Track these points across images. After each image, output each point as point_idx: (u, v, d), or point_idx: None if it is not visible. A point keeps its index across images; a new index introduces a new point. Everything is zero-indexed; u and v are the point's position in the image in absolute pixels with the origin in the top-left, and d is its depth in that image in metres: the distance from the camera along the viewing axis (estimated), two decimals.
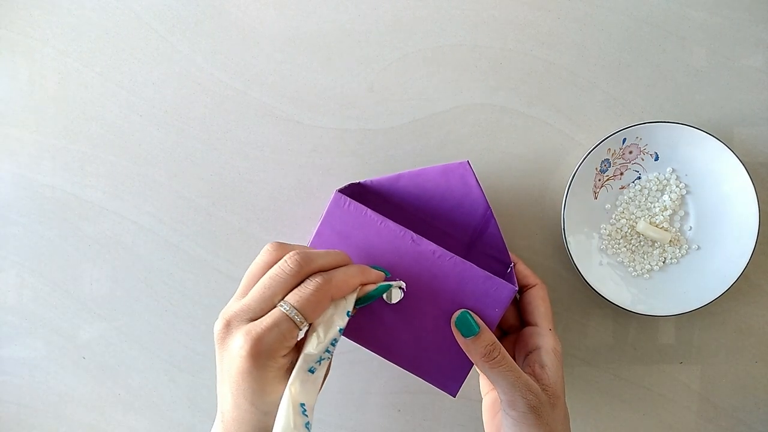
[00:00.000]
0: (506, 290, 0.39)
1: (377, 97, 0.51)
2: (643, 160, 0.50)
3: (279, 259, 0.35)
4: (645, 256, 0.50)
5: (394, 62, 0.51)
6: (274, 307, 0.33)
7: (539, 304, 0.43)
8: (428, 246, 0.39)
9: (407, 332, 0.40)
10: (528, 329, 0.43)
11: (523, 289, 0.45)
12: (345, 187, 0.43)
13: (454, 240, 0.46)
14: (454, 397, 0.41)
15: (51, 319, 0.53)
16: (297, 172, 0.52)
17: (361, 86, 0.51)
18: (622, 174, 0.50)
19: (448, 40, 0.51)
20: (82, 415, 0.53)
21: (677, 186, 0.50)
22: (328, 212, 0.40)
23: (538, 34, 0.51)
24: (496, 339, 0.38)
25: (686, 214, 0.50)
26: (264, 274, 0.34)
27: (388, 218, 0.39)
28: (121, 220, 0.52)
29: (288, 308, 0.33)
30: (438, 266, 0.39)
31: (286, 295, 0.33)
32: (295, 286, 0.34)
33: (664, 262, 0.50)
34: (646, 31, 0.51)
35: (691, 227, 0.50)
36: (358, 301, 0.37)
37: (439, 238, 0.46)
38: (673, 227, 0.50)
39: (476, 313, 0.39)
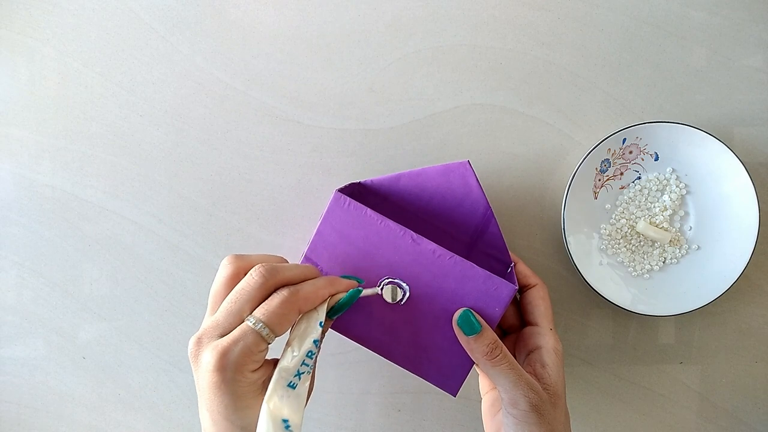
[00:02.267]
0: (507, 289, 0.39)
1: (377, 97, 0.51)
2: (643, 160, 0.50)
3: (240, 271, 0.35)
4: (645, 257, 0.50)
5: (394, 62, 0.51)
6: (241, 320, 0.34)
7: (540, 303, 0.43)
8: (428, 245, 0.39)
9: (407, 332, 0.40)
10: (529, 329, 0.43)
11: (523, 288, 0.45)
12: (345, 187, 0.43)
13: (454, 240, 0.46)
14: (455, 396, 0.41)
15: (51, 319, 0.53)
16: (297, 172, 0.52)
17: (361, 86, 0.51)
18: (622, 174, 0.50)
19: (448, 40, 0.51)
20: (82, 415, 0.53)
21: (677, 186, 0.50)
22: (328, 212, 0.40)
23: (538, 34, 0.51)
24: (498, 338, 0.38)
25: (686, 214, 0.50)
26: (226, 288, 0.35)
27: (389, 218, 0.40)
28: (121, 220, 0.52)
29: (254, 321, 0.33)
30: (438, 265, 0.39)
31: (253, 306, 0.34)
32: (263, 299, 0.34)
33: (664, 262, 0.50)
34: (646, 31, 0.51)
35: (691, 227, 0.50)
36: (331, 312, 0.37)
37: (440, 238, 0.46)
38: (673, 227, 0.50)
39: (477, 313, 0.39)
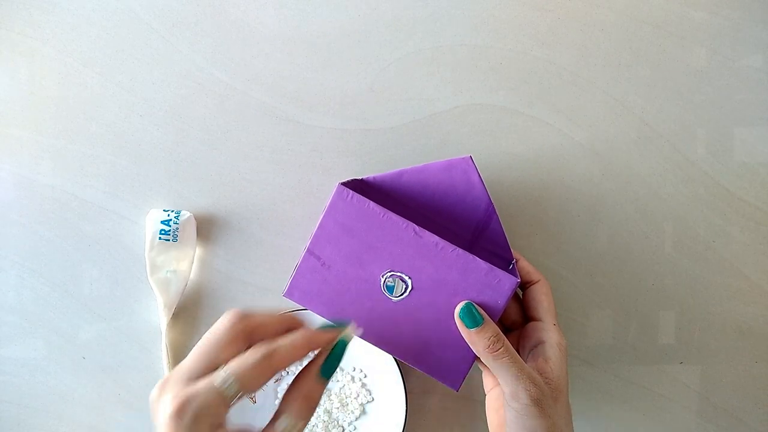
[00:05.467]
0: (509, 281, 0.39)
1: (377, 97, 0.52)
2: None
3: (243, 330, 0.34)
4: None
5: (394, 62, 0.51)
6: (214, 365, 0.32)
7: (542, 299, 0.43)
8: (431, 238, 0.39)
9: (409, 325, 0.40)
10: (532, 324, 0.43)
11: (526, 285, 0.45)
12: (347, 182, 0.43)
13: (456, 236, 0.46)
14: (457, 391, 0.41)
15: (51, 319, 0.53)
16: (297, 172, 0.52)
17: (361, 86, 0.51)
18: None
19: (448, 40, 0.51)
20: (82, 415, 0.53)
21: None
22: (331, 205, 0.40)
23: (538, 34, 0.51)
24: (500, 330, 0.38)
25: None
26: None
27: None
28: (121, 220, 0.52)
29: (224, 375, 0.31)
30: (441, 258, 0.39)
31: (223, 353, 0.32)
32: (233, 344, 0.33)
33: None
34: (646, 31, 0.51)
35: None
36: (324, 371, 0.35)
37: (442, 235, 0.45)
38: None
39: (479, 305, 0.39)
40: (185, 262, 0.51)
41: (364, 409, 0.51)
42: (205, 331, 0.51)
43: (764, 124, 0.51)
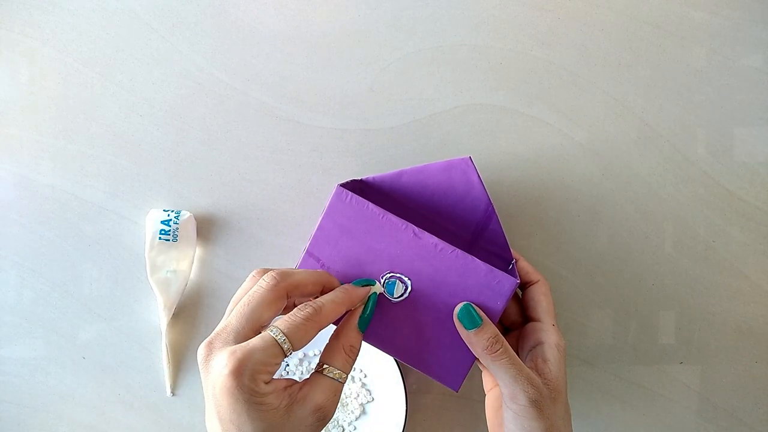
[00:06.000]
0: (508, 282, 0.39)
1: (377, 97, 0.52)
2: None
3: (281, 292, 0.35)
4: None
5: (394, 62, 0.51)
6: (258, 325, 0.33)
7: (542, 300, 0.43)
8: (430, 239, 0.39)
9: (409, 326, 0.40)
10: (531, 325, 0.43)
11: (525, 285, 0.45)
12: (346, 183, 0.43)
13: (455, 237, 0.46)
14: (457, 391, 0.41)
15: (51, 319, 0.53)
16: (297, 172, 0.52)
17: (361, 86, 0.51)
18: None
19: (448, 40, 0.51)
20: (82, 415, 0.53)
21: None
22: (330, 206, 0.40)
23: (538, 34, 0.51)
24: (499, 332, 0.38)
25: None
26: None
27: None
28: (121, 220, 0.52)
29: (277, 333, 0.32)
30: (440, 259, 0.39)
31: (265, 312, 0.34)
32: (276, 303, 0.34)
33: None
34: (646, 31, 0.51)
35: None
36: (360, 324, 0.38)
37: (441, 235, 0.45)
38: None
39: (478, 306, 0.39)
40: (185, 262, 0.51)
41: (364, 409, 0.51)
42: (205, 331, 0.51)
43: (764, 124, 0.51)
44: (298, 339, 0.33)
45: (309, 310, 0.34)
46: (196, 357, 0.33)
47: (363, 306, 0.38)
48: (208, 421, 0.33)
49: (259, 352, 0.31)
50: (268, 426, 0.31)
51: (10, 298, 0.53)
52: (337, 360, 0.36)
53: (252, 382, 0.31)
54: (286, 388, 0.33)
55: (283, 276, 0.35)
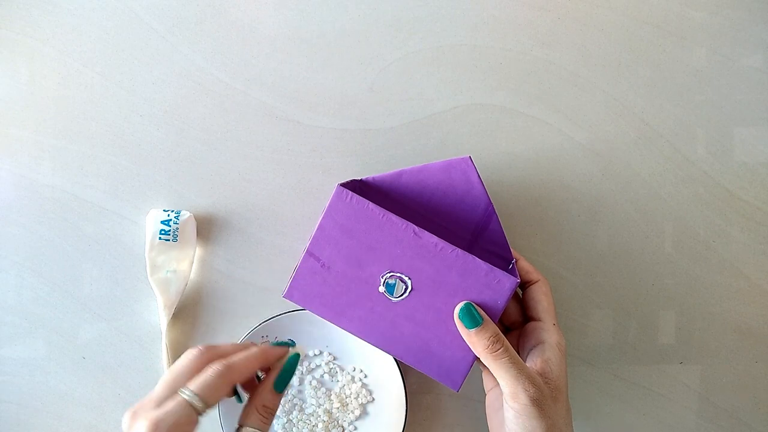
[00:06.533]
0: (509, 282, 0.39)
1: (377, 97, 0.52)
2: None
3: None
4: None
5: (394, 62, 0.51)
6: (177, 392, 0.35)
7: (542, 299, 0.44)
8: (430, 238, 0.39)
9: (409, 326, 0.40)
10: (532, 324, 0.43)
11: (525, 285, 0.45)
12: (346, 183, 0.43)
13: (456, 237, 0.46)
14: (457, 391, 0.41)
15: (51, 319, 0.53)
16: (297, 172, 0.52)
17: (361, 86, 0.51)
18: None
19: (448, 40, 0.51)
20: (82, 415, 0.53)
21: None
22: (330, 206, 0.40)
23: (538, 34, 0.51)
24: (499, 331, 0.38)
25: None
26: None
27: None
28: (121, 220, 0.52)
29: (188, 394, 0.34)
30: (440, 259, 0.39)
31: (186, 379, 0.36)
32: (196, 371, 0.36)
33: None
34: (646, 31, 0.51)
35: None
36: (278, 384, 0.39)
37: (441, 235, 0.45)
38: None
39: (479, 306, 0.39)
40: (185, 262, 0.51)
41: (364, 409, 0.51)
42: (205, 331, 0.51)
43: (764, 124, 0.51)
44: (209, 396, 0.35)
45: (218, 366, 0.36)
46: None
47: (282, 366, 0.40)
48: None
49: (171, 414, 0.33)
50: None
51: (10, 298, 0.53)
52: (252, 420, 0.37)
53: None
54: None
55: (208, 348, 0.37)
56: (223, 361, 0.36)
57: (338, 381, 0.51)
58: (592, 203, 0.52)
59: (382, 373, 0.50)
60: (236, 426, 0.37)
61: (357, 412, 0.50)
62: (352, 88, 0.51)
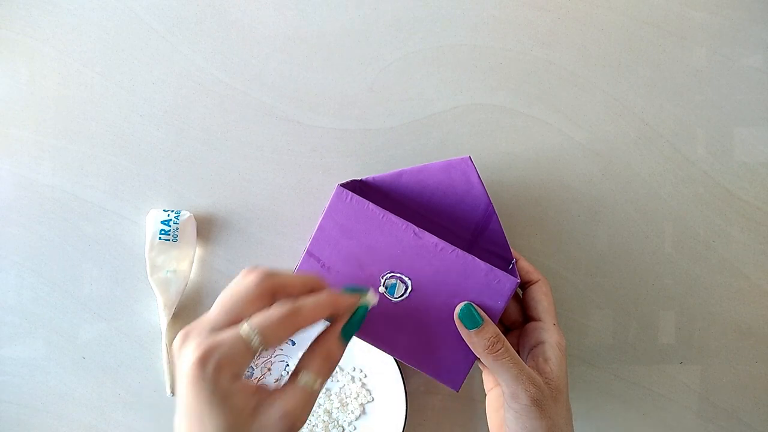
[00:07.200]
0: (509, 282, 0.39)
1: (377, 97, 0.52)
2: (282, 350, 0.51)
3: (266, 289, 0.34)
4: None
5: (394, 62, 0.51)
6: (238, 319, 0.32)
7: (542, 299, 0.43)
8: (430, 239, 0.39)
9: (409, 326, 0.40)
10: (532, 324, 0.43)
11: (525, 285, 0.45)
12: (346, 183, 0.43)
13: (455, 237, 0.46)
14: (457, 391, 0.41)
15: (51, 319, 0.53)
16: (297, 172, 0.52)
17: (361, 86, 0.51)
18: (269, 370, 0.51)
19: (448, 40, 0.51)
20: (82, 415, 0.53)
21: None
22: (330, 206, 0.40)
23: (538, 34, 0.51)
24: (500, 331, 0.38)
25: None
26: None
27: None
28: (121, 220, 0.52)
29: (249, 330, 0.31)
30: (440, 259, 0.39)
31: (247, 308, 0.32)
32: (258, 300, 0.33)
33: None
34: (646, 31, 0.51)
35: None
36: (344, 333, 0.36)
37: (441, 235, 0.45)
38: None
39: (479, 306, 0.39)
40: (185, 262, 0.51)
41: (364, 409, 0.51)
42: None
43: (764, 124, 0.51)
44: (270, 336, 0.31)
45: (286, 308, 0.32)
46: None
47: (351, 315, 0.36)
48: (177, 415, 0.32)
49: (227, 345, 0.30)
50: (229, 426, 0.30)
51: (10, 298, 0.53)
52: (313, 366, 0.34)
53: (216, 374, 0.30)
54: (255, 391, 0.32)
55: (271, 274, 0.34)
56: (293, 303, 0.33)
57: (338, 381, 0.51)
58: (592, 203, 0.52)
59: (382, 374, 0.50)
60: (294, 372, 0.34)
61: (357, 412, 0.50)
62: (352, 88, 0.51)
